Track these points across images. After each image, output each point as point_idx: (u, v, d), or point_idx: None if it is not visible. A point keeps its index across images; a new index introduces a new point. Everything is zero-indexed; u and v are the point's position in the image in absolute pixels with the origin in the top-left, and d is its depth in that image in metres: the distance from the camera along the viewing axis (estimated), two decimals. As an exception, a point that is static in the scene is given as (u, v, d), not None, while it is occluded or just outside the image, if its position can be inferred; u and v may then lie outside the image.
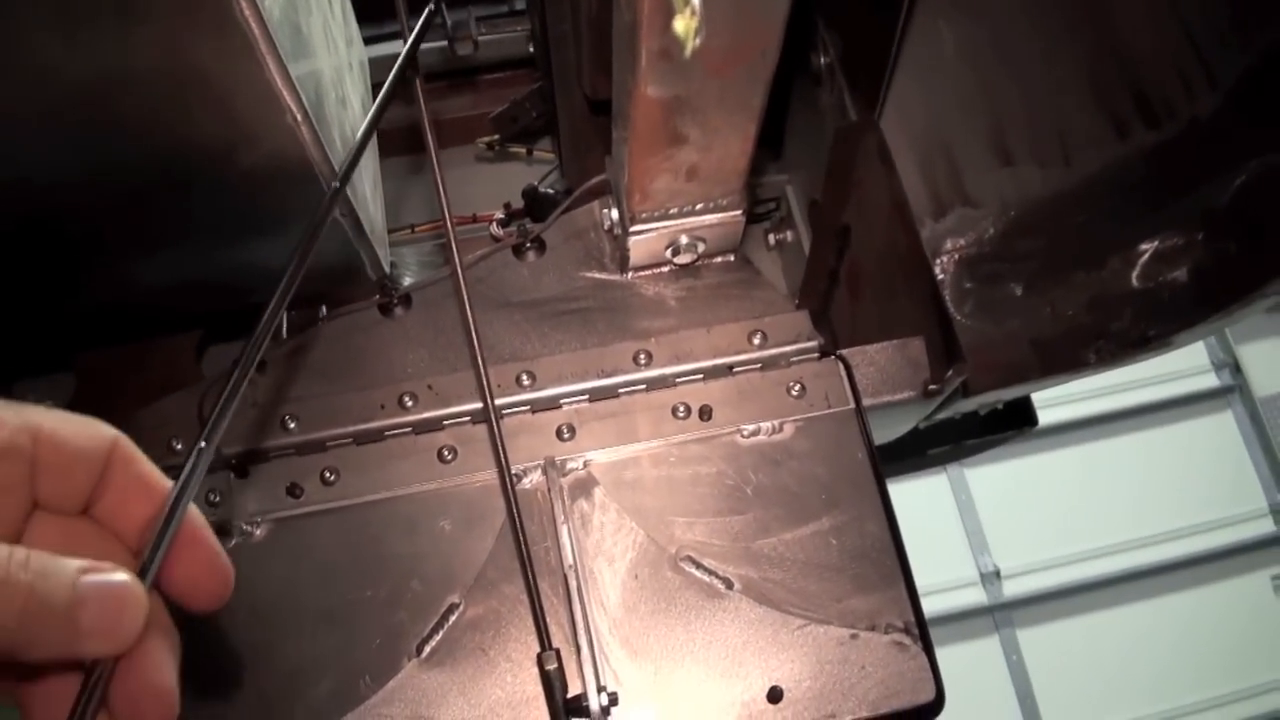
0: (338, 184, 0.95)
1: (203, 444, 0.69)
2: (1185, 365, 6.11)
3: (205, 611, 0.68)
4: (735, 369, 1.19)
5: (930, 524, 5.59)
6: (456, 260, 1.13)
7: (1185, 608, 5.76)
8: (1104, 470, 5.94)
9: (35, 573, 0.57)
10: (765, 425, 1.16)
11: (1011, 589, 5.71)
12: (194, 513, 0.67)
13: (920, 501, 5.58)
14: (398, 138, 1.74)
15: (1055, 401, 5.43)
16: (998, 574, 5.72)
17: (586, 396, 1.17)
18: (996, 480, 5.83)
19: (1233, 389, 6.18)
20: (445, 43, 1.80)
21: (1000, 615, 5.73)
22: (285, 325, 1.44)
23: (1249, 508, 5.91)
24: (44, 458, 0.63)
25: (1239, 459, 6.08)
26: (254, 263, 1.24)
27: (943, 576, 5.58)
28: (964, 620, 5.60)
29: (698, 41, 0.95)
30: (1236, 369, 6.16)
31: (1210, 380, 6.17)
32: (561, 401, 1.17)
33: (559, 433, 1.15)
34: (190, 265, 1.26)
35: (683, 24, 0.92)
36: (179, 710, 0.64)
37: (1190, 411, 6.15)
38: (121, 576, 0.61)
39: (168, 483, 0.68)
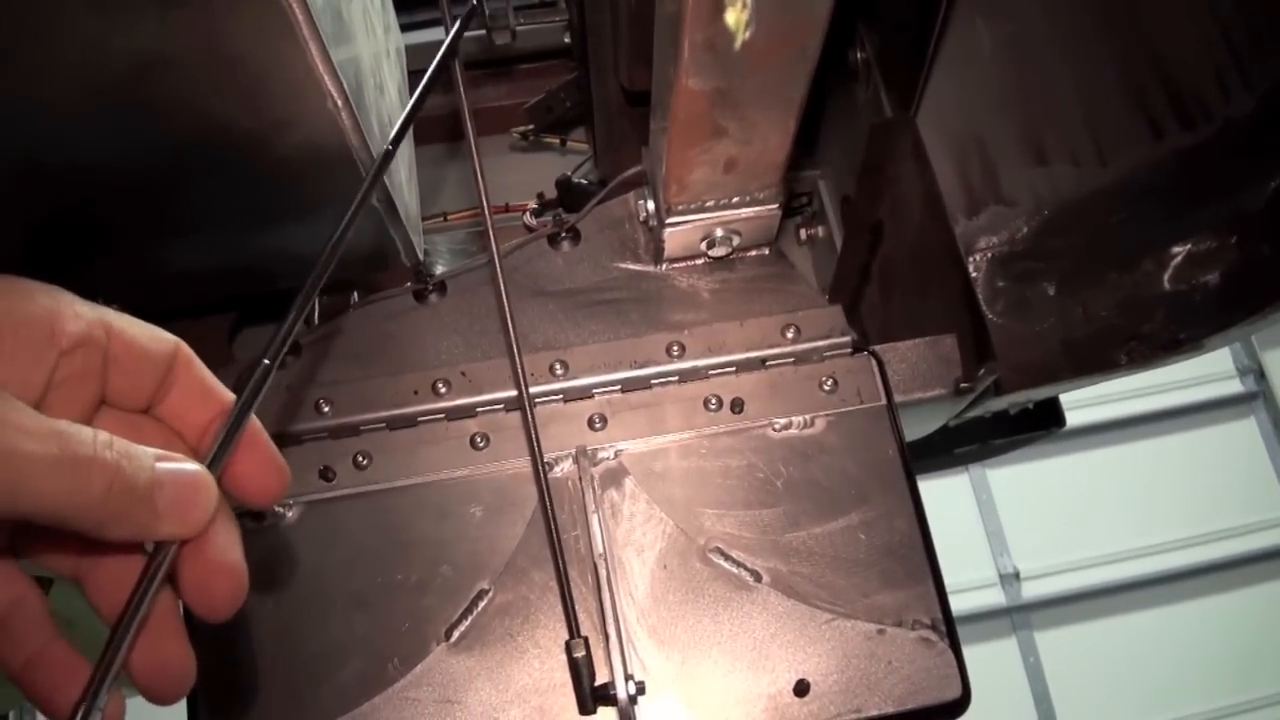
0: (388, 147, 0.96)
1: (265, 361, 0.73)
2: (1209, 371, 6.09)
3: (263, 506, 0.74)
4: (768, 362, 1.19)
5: (951, 524, 5.58)
6: (494, 248, 1.14)
7: (1205, 614, 5.74)
8: (1125, 474, 5.93)
9: (120, 453, 0.61)
10: (797, 419, 1.16)
11: (1030, 591, 5.70)
12: (254, 420, 0.72)
13: (941, 501, 5.56)
14: (431, 126, 1.75)
15: (1077, 404, 5.39)
16: (1017, 575, 5.71)
17: (619, 387, 1.17)
18: (1017, 481, 5.82)
19: (1256, 395, 6.15)
20: (483, 32, 1.81)
21: (1018, 617, 5.72)
22: (317, 311, 1.45)
23: (1270, 515, 5.89)
24: (115, 353, 0.67)
25: (1261, 466, 6.06)
26: (288, 248, 1.25)
27: (962, 577, 5.57)
28: (982, 621, 5.60)
29: (748, 34, 0.95)
30: (1261, 375, 6.14)
31: (1234, 386, 6.15)
32: (594, 391, 1.17)
33: (591, 422, 1.16)
34: (224, 249, 1.26)
35: (734, 16, 0.92)
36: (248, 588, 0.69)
37: (1213, 417, 6.13)
38: (194, 465, 0.66)
39: (226, 390, 0.72)
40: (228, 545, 0.68)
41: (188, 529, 0.65)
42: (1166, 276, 1.14)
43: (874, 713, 1.04)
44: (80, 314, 0.65)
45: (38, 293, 0.64)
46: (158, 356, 0.69)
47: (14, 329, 0.61)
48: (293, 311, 0.78)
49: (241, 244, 1.26)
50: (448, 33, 1.16)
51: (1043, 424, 1.71)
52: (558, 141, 1.86)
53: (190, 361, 0.71)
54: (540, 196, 1.75)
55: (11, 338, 0.61)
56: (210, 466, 0.67)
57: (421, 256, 1.37)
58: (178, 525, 0.64)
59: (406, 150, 1.45)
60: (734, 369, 1.18)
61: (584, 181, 1.72)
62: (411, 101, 0.98)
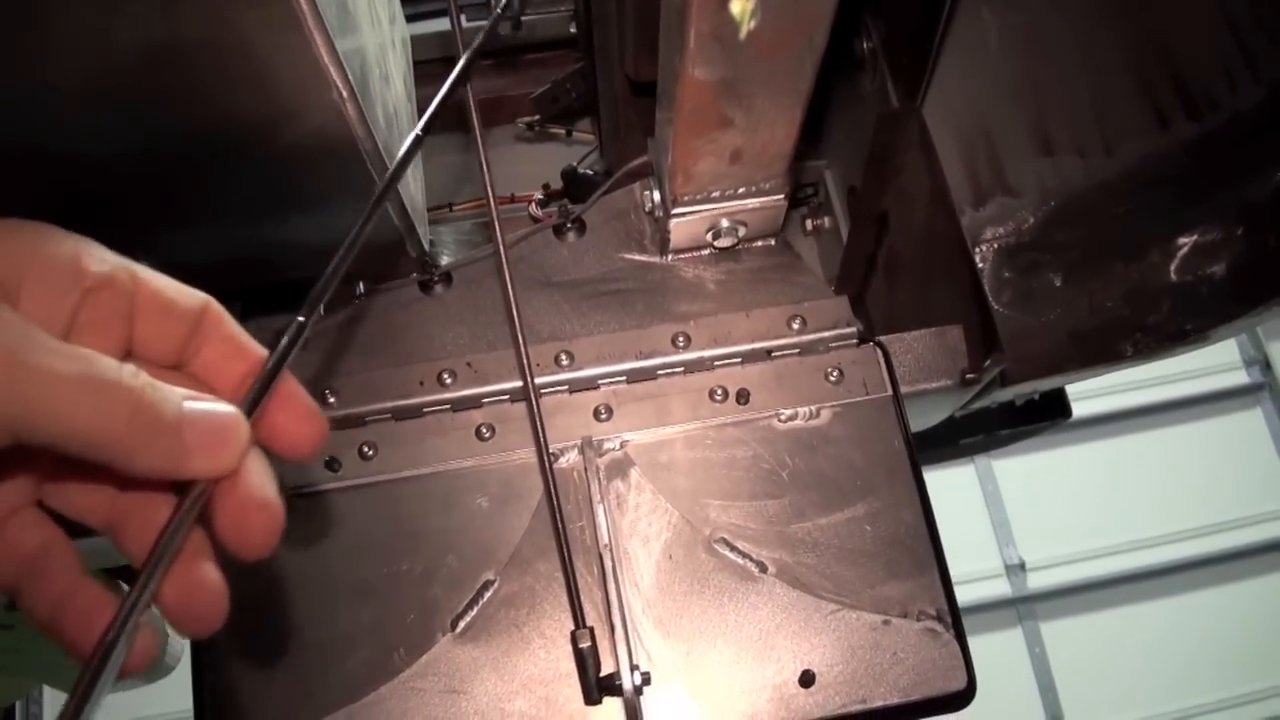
0: (418, 132, 0.95)
1: (300, 317, 0.72)
2: (1215, 362, 6.07)
3: (300, 459, 0.71)
4: (774, 353, 1.19)
5: (957, 515, 5.58)
6: (500, 239, 1.14)
7: (1211, 605, 5.73)
8: (1131, 465, 5.92)
9: (145, 383, 0.60)
10: (802, 410, 1.16)
11: (1036, 582, 5.70)
12: (289, 375, 0.70)
13: (947, 492, 5.56)
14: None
15: (1083, 395, 5.38)
16: (1023, 566, 5.70)
17: (624, 378, 1.18)
18: (1023, 472, 5.82)
19: (1262, 386, 6.14)
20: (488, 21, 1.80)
21: (1024, 608, 5.72)
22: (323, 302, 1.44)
23: (1277, 506, 5.88)
24: (142, 301, 0.66)
25: (1267, 457, 6.04)
26: (293, 239, 1.25)
27: (968, 567, 5.57)
28: (988, 612, 5.59)
29: (753, 24, 0.95)
30: (1267, 366, 6.12)
31: (1240, 377, 6.14)
32: (599, 382, 1.17)
33: (596, 413, 1.16)
34: (229, 240, 1.26)
35: (740, 6, 0.92)
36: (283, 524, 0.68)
37: (1219, 408, 6.12)
38: (226, 405, 0.65)
39: (260, 346, 0.71)
40: (262, 482, 0.67)
41: (218, 466, 0.64)
42: (1173, 267, 1.14)
43: (879, 703, 1.04)
44: (105, 258, 0.65)
45: (63, 235, 0.64)
46: (186, 310, 0.68)
47: (40, 266, 0.61)
48: (330, 268, 0.78)
49: (246, 234, 1.26)
50: (453, 23, 1.17)
51: (1049, 415, 1.71)
52: (563, 132, 1.86)
53: (221, 318, 0.70)
54: (546, 187, 1.74)
55: (37, 274, 0.61)
56: (248, 410, 0.67)
57: (427, 247, 1.37)
58: (207, 461, 0.63)
59: (412, 141, 1.45)
60: (739, 360, 1.19)
61: (589, 172, 1.71)
62: (422, 120, 0.98)
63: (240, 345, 0.71)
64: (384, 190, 0.87)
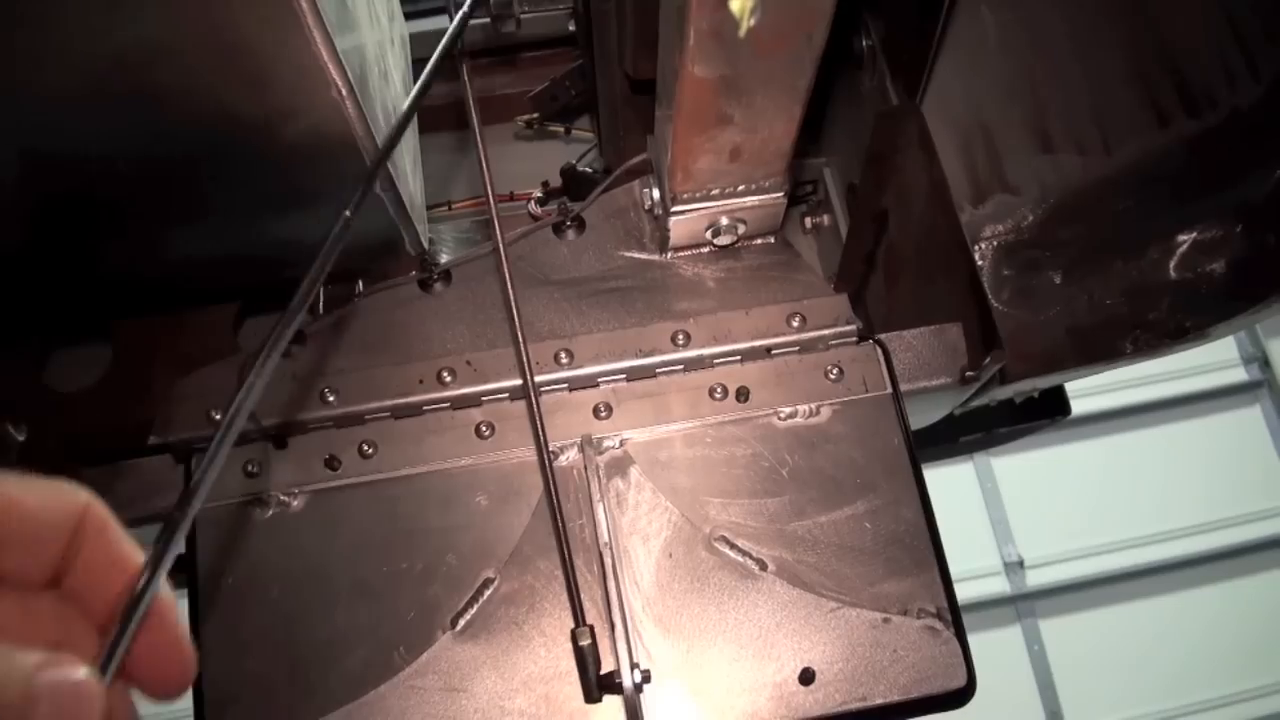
0: (379, 156, 0.95)
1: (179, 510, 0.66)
2: (1214, 359, 6.06)
3: (161, 699, 0.64)
4: (773, 351, 1.19)
5: (955, 512, 5.57)
6: (499, 237, 1.14)
7: (1210, 602, 5.73)
8: (1130, 463, 5.91)
9: None
10: (802, 408, 1.16)
11: (1035, 579, 5.69)
12: (164, 593, 0.63)
13: (946, 490, 5.53)
14: (436, 114, 1.74)
15: (1083, 393, 5.36)
16: (1021, 564, 5.69)
17: (624, 376, 1.18)
18: (1022, 470, 5.81)
19: (1261, 383, 6.13)
20: (488, 20, 1.80)
21: (1023, 605, 5.71)
22: (322, 300, 1.44)
23: (1276, 503, 5.88)
24: (7, 529, 0.59)
25: (1266, 454, 6.04)
26: (292, 237, 1.24)
27: (966, 565, 5.56)
28: (986, 609, 5.58)
29: (753, 21, 0.95)
30: (1266, 364, 6.11)
31: (1239, 374, 6.12)
32: (599, 380, 1.18)
33: (596, 411, 1.16)
34: (229, 238, 1.26)
35: (739, 3, 0.92)
36: None
37: (1218, 405, 6.11)
38: (79, 673, 0.56)
39: (140, 554, 0.63)
40: None
41: None
42: (1172, 265, 1.14)
43: (879, 701, 1.04)
44: None
45: None
46: (59, 526, 0.61)
47: None
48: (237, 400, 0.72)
49: (246, 232, 1.26)
50: (452, 19, 1.16)
51: (1048, 412, 1.71)
52: (563, 130, 1.86)
53: (102, 528, 0.62)
54: (545, 185, 1.74)
55: None
56: (105, 660, 0.59)
57: (426, 245, 1.37)
58: None
59: (411, 139, 1.45)
60: (739, 358, 1.19)
61: (589, 170, 1.71)
62: (414, 91, 0.98)
63: (119, 556, 0.63)
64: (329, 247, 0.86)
